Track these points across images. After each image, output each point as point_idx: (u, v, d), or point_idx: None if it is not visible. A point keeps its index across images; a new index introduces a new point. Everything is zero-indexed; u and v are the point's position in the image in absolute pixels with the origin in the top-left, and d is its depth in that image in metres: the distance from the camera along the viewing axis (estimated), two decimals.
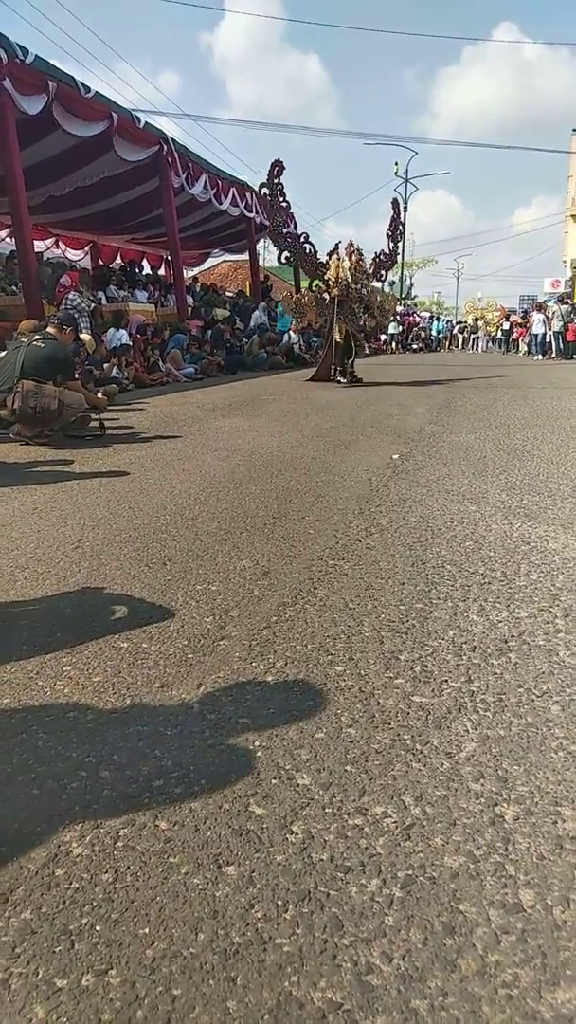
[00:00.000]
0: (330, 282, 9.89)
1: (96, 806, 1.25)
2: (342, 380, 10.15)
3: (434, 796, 1.27)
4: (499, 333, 31.05)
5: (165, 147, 12.20)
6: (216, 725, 1.50)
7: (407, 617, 2.06)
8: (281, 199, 9.93)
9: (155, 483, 3.86)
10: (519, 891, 1.06)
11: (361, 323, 10.40)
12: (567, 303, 20.16)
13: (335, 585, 2.31)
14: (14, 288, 11.12)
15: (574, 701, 1.59)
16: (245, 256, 21.06)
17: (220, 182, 14.89)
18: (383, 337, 23.92)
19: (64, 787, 1.30)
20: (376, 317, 10.72)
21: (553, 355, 19.85)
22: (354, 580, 2.36)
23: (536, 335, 20.39)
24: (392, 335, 25.79)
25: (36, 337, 5.41)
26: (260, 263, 22.60)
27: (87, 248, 18.24)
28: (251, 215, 16.75)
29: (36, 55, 8.78)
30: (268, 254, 31.36)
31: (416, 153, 39.48)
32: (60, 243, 17.53)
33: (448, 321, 37.92)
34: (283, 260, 10.61)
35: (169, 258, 16.15)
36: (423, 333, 30.69)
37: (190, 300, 15.46)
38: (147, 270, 19.37)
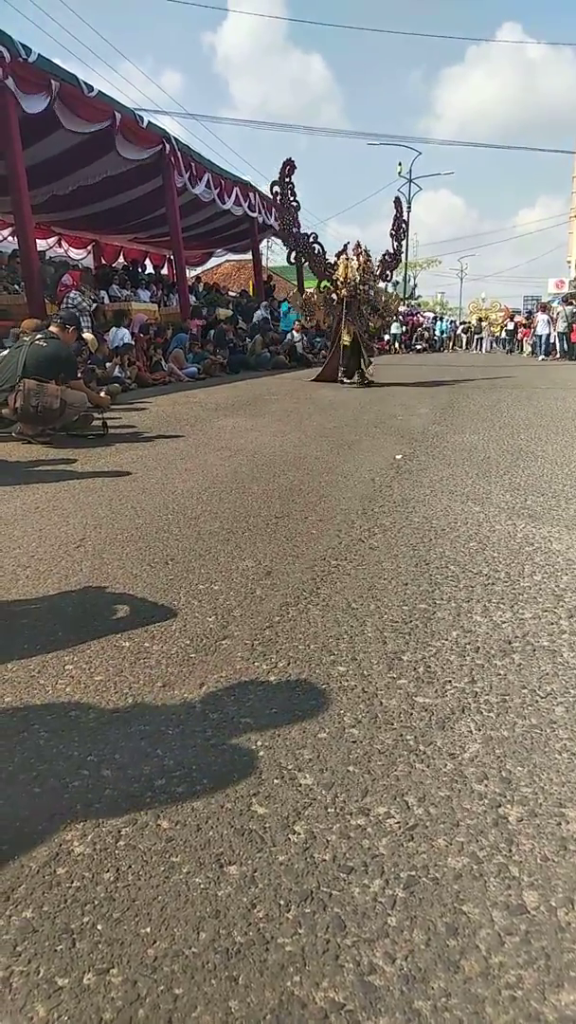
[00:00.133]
0: (339, 282, 9.85)
1: (98, 805, 1.25)
2: (345, 381, 10.11)
3: (437, 797, 1.26)
4: (503, 333, 31.04)
5: (168, 146, 12.21)
6: (218, 725, 1.50)
7: (410, 617, 2.05)
8: (291, 198, 9.87)
9: (157, 482, 3.86)
10: (523, 892, 1.05)
11: (368, 324, 10.38)
12: (571, 304, 20.08)
13: (338, 585, 2.31)
14: (16, 287, 11.13)
15: None
16: (248, 256, 21.08)
17: (223, 182, 14.89)
18: (386, 337, 23.92)
19: (66, 786, 1.30)
20: (383, 317, 10.71)
21: (557, 356, 19.82)
22: (357, 580, 2.35)
23: (540, 336, 20.36)
24: (395, 335, 25.80)
25: (39, 336, 5.41)
26: (263, 263, 22.61)
27: (89, 247, 18.26)
28: (254, 215, 16.76)
29: (39, 54, 8.78)
30: (271, 254, 31.40)
31: (420, 153, 39.50)
32: (63, 242, 17.55)
33: (452, 321, 37.90)
34: (292, 260, 10.57)
35: (172, 257, 16.15)
36: (427, 333, 30.70)
37: (193, 300, 15.46)
38: (150, 269, 19.38)
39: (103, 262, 18.01)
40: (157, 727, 1.49)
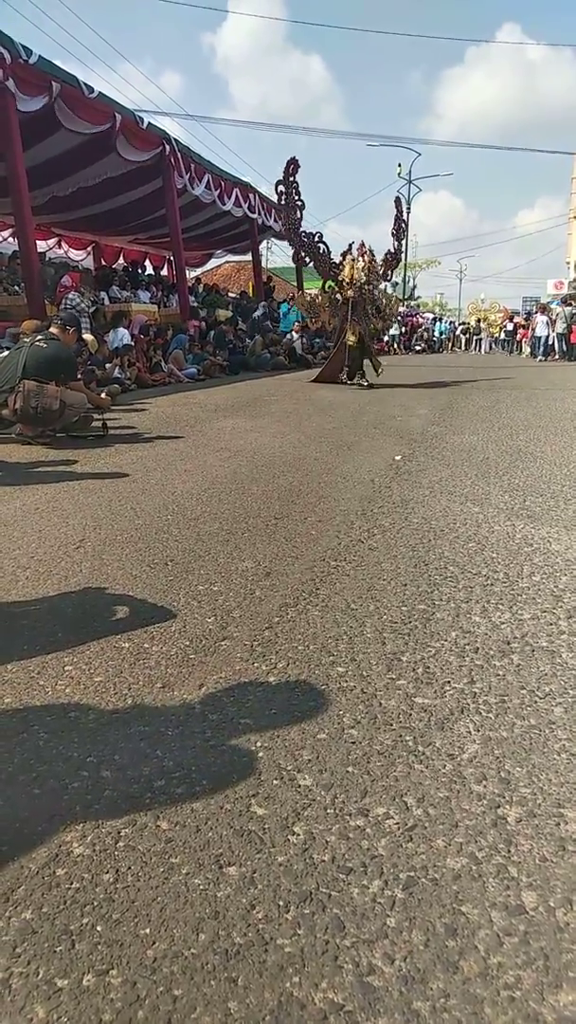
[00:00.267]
0: (344, 283, 9.80)
1: (97, 806, 1.25)
2: (348, 381, 10.03)
3: (436, 797, 1.27)
4: (502, 334, 31.06)
5: (168, 148, 12.21)
6: (218, 726, 1.50)
7: (409, 618, 2.05)
8: (296, 198, 9.78)
9: (157, 483, 3.86)
10: (521, 893, 1.05)
11: (372, 324, 10.34)
12: (571, 305, 20.10)
13: (337, 586, 2.31)
14: (16, 288, 11.13)
15: None
16: (248, 257, 21.09)
17: (223, 183, 14.90)
18: (385, 338, 23.93)
19: (65, 787, 1.30)
20: (387, 319, 10.68)
21: (556, 357, 19.83)
22: (356, 581, 2.35)
23: (540, 337, 20.37)
24: (394, 336, 25.79)
25: (39, 337, 5.42)
26: (263, 264, 22.62)
27: (89, 248, 18.26)
28: (254, 216, 16.76)
29: (40, 55, 8.78)
30: (271, 255, 31.43)
31: (419, 154, 39.40)
32: (63, 243, 17.55)
33: (451, 322, 37.91)
34: (297, 259, 10.49)
35: (172, 258, 16.15)
36: (426, 334, 30.70)
37: (193, 301, 15.46)
38: (150, 270, 19.39)
39: (103, 263, 18.01)
40: (156, 728, 1.49)
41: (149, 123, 11.81)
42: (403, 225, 11.02)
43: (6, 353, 5.70)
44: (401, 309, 21.42)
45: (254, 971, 0.93)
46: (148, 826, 1.20)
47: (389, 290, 11.94)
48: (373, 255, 10.01)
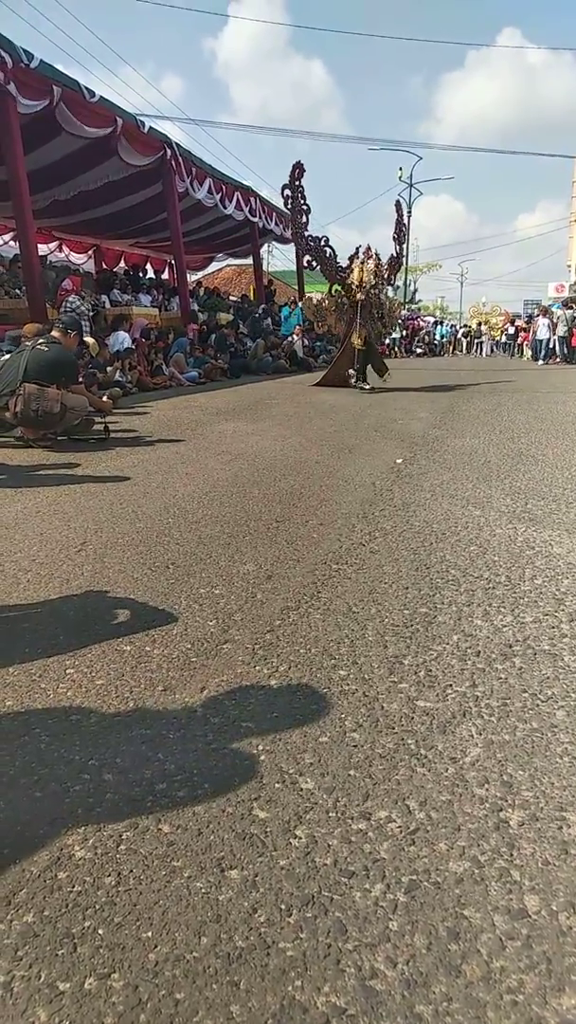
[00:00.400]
0: (354, 286, 9.73)
1: (99, 809, 1.25)
2: (364, 386, 9.92)
3: (438, 801, 1.26)
4: (503, 338, 31.08)
5: (169, 152, 12.24)
6: (219, 729, 1.50)
7: (411, 621, 2.05)
8: (302, 202, 9.70)
9: (158, 487, 3.87)
10: (524, 897, 1.05)
11: (379, 328, 10.31)
12: (572, 308, 20.09)
13: (339, 589, 2.31)
14: (18, 291, 11.16)
15: None
16: (249, 260, 21.12)
17: (224, 187, 14.93)
18: (387, 341, 23.95)
19: (67, 790, 1.30)
20: (385, 325, 10.67)
21: (557, 360, 19.84)
22: (358, 584, 2.35)
23: (541, 340, 20.37)
24: (395, 339, 25.82)
25: (40, 341, 5.43)
26: (264, 267, 22.65)
27: (91, 252, 18.31)
28: (255, 220, 16.79)
29: (41, 59, 8.81)
30: (272, 258, 31.48)
31: (420, 158, 39.42)
32: (64, 247, 17.60)
33: (452, 326, 37.93)
34: (304, 263, 10.42)
35: (173, 262, 16.18)
36: (427, 337, 30.73)
37: (194, 304, 15.49)
38: (151, 274, 19.43)
39: (104, 267, 18.06)
40: (158, 731, 1.49)
41: (150, 127, 11.84)
42: (404, 229, 11.02)
43: (7, 356, 5.71)
44: (402, 312, 21.46)
45: (256, 975, 0.92)
46: (150, 829, 1.19)
47: (390, 293, 11.93)
48: (379, 258, 10.00)
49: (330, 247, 9.95)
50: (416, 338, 29.28)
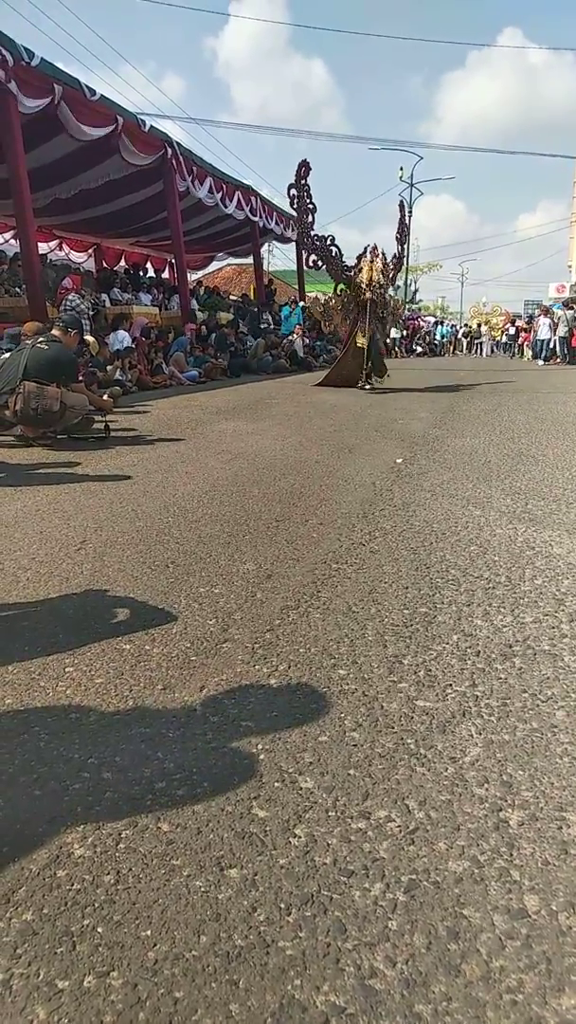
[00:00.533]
0: (363, 285, 9.63)
1: (98, 808, 1.25)
2: (375, 385, 9.87)
3: (438, 801, 1.26)
4: (503, 338, 31.07)
5: (170, 150, 12.23)
6: (219, 728, 1.50)
7: (411, 621, 2.05)
8: (308, 201, 9.59)
9: (158, 485, 3.86)
10: (523, 896, 1.05)
11: (384, 327, 10.27)
12: (572, 308, 20.08)
13: (338, 588, 2.31)
14: (18, 290, 11.15)
15: None
16: (249, 260, 21.11)
17: (225, 186, 14.92)
18: (387, 341, 23.95)
19: (66, 788, 1.30)
20: (392, 322, 10.65)
21: (558, 360, 19.83)
22: (358, 584, 2.35)
23: (542, 340, 20.36)
24: (396, 339, 25.82)
25: (40, 339, 5.43)
26: (264, 267, 22.64)
27: (91, 250, 18.29)
28: (255, 219, 16.78)
29: (42, 58, 8.80)
30: (272, 258, 31.47)
31: (421, 158, 39.32)
32: (64, 245, 17.58)
33: (452, 326, 37.93)
34: (311, 263, 10.37)
35: (173, 261, 16.18)
36: (427, 337, 30.73)
37: (194, 304, 15.48)
38: (151, 273, 19.41)
39: (104, 265, 18.04)
40: (158, 730, 1.49)
41: (151, 126, 11.83)
42: (406, 228, 11.01)
43: (7, 355, 5.70)
44: (404, 312, 21.45)
45: (255, 973, 0.92)
46: (149, 828, 1.19)
47: (391, 292, 11.93)
48: (385, 257, 9.97)
49: (336, 246, 9.89)
50: (416, 338, 29.27)
